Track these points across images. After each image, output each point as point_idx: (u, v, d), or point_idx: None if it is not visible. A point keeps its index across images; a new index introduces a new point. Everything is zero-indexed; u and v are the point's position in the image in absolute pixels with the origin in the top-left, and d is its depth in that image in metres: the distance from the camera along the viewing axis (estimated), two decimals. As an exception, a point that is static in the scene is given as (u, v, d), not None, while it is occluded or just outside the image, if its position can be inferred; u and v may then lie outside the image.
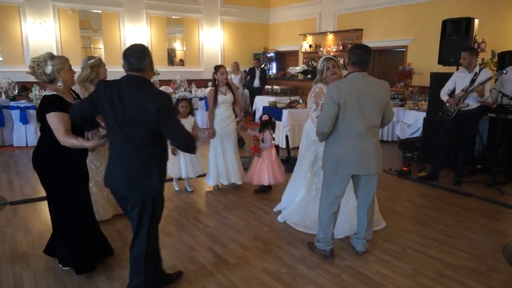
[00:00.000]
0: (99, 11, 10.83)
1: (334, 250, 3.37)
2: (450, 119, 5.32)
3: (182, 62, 12.50)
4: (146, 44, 11.53)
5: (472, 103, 5.13)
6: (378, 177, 3.34)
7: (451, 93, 5.36)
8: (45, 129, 2.81)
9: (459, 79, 5.29)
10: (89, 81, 3.92)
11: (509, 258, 3.39)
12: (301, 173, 4.19)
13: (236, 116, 5.09)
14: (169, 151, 3.12)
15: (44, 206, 4.56)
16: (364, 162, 3.15)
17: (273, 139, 4.92)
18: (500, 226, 4.10)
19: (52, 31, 10.15)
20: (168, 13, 11.83)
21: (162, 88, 9.19)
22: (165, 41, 11.99)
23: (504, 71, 5.09)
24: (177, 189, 5.10)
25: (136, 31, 11.26)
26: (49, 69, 2.80)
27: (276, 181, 4.84)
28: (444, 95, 5.42)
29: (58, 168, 2.87)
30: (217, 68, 4.92)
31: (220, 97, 4.88)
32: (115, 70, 11.56)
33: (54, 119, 2.73)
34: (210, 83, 11.28)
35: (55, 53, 10.79)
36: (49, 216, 4.24)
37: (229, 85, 4.96)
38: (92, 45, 11.17)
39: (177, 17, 12.08)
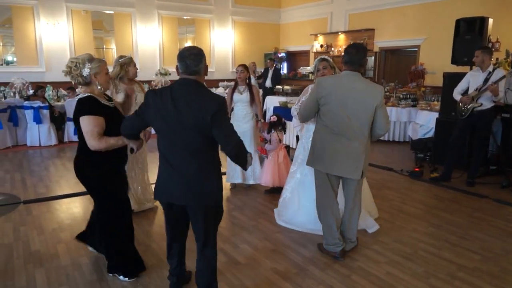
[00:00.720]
0: (112, 12, 10.95)
1: (344, 251, 3.35)
2: (463, 119, 5.25)
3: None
4: (158, 44, 11.70)
5: (486, 102, 5.05)
6: (362, 182, 3.35)
7: (464, 93, 5.29)
8: (82, 134, 2.73)
9: (473, 79, 5.22)
10: (118, 78, 4.04)
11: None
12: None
13: (256, 116, 5.14)
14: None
15: (57, 205, 4.63)
16: (339, 163, 3.10)
17: (280, 141, 4.89)
18: (514, 228, 4.03)
19: (66, 32, 10.29)
20: (179, 14, 11.90)
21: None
22: (176, 42, 12.05)
23: None
24: None
25: (148, 31, 11.35)
26: (86, 71, 2.77)
27: (281, 183, 4.76)
28: (457, 95, 5.34)
29: (100, 174, 2.80)
30: (237, 66, 5.04)
31: (236, 96, 4.96)
32: (127, 70, 11.51)
33: (87, 123, 2.66)
34: (220, 83, 11.41)
35: (67, 53, 11.02)
36: (62, 215, 4.33)
37: (249, 85, 5.00)
38: (104, 46, 11.29)
39: (188, 17, 12.14)
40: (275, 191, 4.96)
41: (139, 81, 4.41)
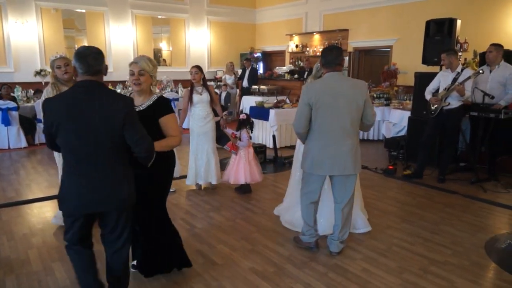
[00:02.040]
0: (83, 11, 10.70)
1: (319, 242, 3.40)
2: (433, 117, 5.41)
3: (164, 62, 12.43)
4: (131, 44, 11.52)
5: (453, 102, 5.23)
6: (358, 178, 3.35)
7: (436, 92, 5.46)
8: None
9: (443, 78, 5.40)
10: (58, 81, 3.71)
11: (491, 254, 3.46)
12: (293, 173, 4.24)
13: (216, 115, 5.17)
14: None
15: (28, 209, 4.49)
16: (339, 162, 3.15)
17: (250, 138, 4.97)
18: (482, 222, 4.18)
19: (35, 31, 9.98)
20: (154, 13, 11.75)
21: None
22: (151, 41, 11.90)
23: (481, 71, 5.21)
24: None
25: (121, 31, 11.16)
26: None
27: (253, 180, 4.89)
28: (428, 94, 5.52)
29: None
30: (191, 68, 5.01)
31: (195, 97, 4.93)
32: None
33: None
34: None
35: (37, 53, 10.73)
36: (33, 220, 4.22)
37: (205, 85, 4.99)
38: (76, 45, 11.00)
39: (163, 17, 12.01)
40: (246, 190, 4.99)
41: None
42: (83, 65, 2.16)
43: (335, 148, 3.14)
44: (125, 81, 10.13)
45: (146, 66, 2.76)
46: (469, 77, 5.07)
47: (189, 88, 5.01)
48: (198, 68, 4.97)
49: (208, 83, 5.14)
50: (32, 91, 8.81)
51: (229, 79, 10.71)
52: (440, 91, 5.37)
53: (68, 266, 3.18)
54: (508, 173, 5.77)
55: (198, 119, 4.98)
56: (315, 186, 3.32)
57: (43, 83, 9.67)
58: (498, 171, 5.69)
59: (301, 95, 3.22)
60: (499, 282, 3.03)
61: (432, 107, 5.39)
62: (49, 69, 9.71)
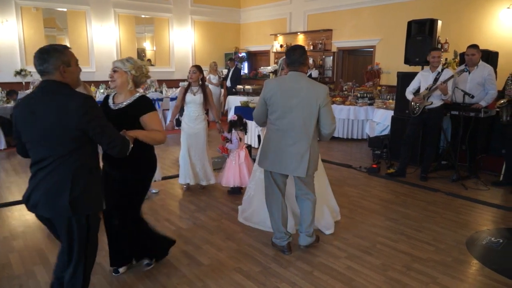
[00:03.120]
0: (65, 10, 10.51)
1: (291, 245, 3.43)
2: (415, 116, 5.50)
3: (149, 62, 12.29)
4: (114, 44, 11.34)
5: (435, 101, 5.32)
6: (324, 178, 3.43)
7: (416, 92, 5.55)
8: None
9: (423, 78, 5.49)
10: None
11: (472, 250, 3.54)
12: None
13: (208, 117, 5.15)
14: None
15: (8, 212, 4.39)
16: (281, 161, 3.21)
17: (240, 139, 4.91)
18: (464, 219, 4.26)
19: (15, 30, 9.75)
20: (137, 12, 11.62)
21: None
22: (134, 41, 11.77)
23: (466, 70, 5.30)
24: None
25: (104, 30, 11.00)
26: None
27: (242, 184, 4.82)
28: (409, 94, 5.60)
29: None
30: (190, 67, 4.96)
31: (188, 96, 4.89)
32: (83, 70, 11.18)
33: None
34: (180, 83, 11.25)
35: (17, 53, 10.46)
36: (14, 222, 4.13)
37: (203, 86, 4.91)
38: (57, 45, 10.82)
39: (146, 16, 11.88)
40: (237, 192, 4.97)
41: (84, 82, 4.02)
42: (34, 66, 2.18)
43: (280, 146, 3.20)
44: (108, 81, 10.01)
45: (119, 64, 2.86)
46: (452, 76, 5.17)
47: (186, 86, 4.96)
48: (197, 67, 4.90)
49: (184, 83, 5.08)
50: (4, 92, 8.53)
51: (214, 79, 10.70)
52: (421, 90, 5.46)
53: (49, 269, 3.13)
54: (488, 170, 5.90)
55: (189, 120, 4.94)
56: (269, 183, 3.38)
57: (24, 83, 9.48)
58: (478, 169, 5.82)
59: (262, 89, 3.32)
60: (480, 277, 3.10)
61: (414, 107, 5.48)
62: (29, 69, 9.65)
